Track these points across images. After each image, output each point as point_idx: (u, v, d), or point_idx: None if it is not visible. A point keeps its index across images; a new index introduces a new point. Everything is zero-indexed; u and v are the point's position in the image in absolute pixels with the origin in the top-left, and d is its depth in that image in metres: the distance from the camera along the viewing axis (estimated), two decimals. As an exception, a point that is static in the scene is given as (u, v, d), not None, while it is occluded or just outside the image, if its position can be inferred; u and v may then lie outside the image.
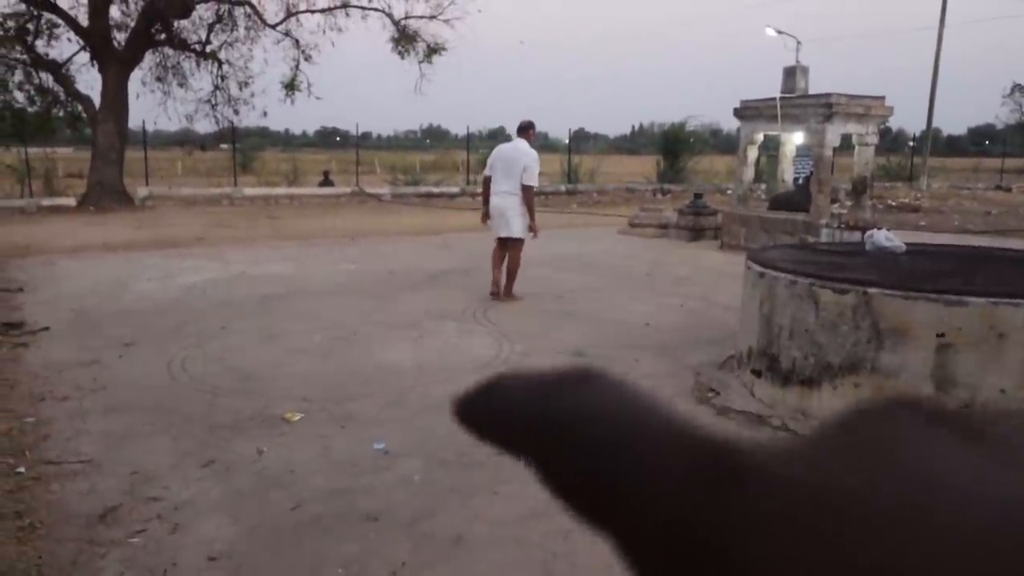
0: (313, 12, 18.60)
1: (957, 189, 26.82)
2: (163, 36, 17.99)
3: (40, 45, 17.33)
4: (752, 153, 11.93)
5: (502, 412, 0.24)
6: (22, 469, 3.56)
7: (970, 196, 23.76)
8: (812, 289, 4.09)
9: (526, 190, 7.33)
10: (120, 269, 8.93)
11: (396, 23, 18.74)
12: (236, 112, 19.59)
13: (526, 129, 7.48)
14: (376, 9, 18.54)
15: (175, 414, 4.31)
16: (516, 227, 7.40)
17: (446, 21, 18.53)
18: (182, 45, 18.49)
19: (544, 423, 0.23)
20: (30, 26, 17.07)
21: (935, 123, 28.70)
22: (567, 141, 27.69)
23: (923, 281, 3.99)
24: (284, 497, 3.32)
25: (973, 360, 3.62)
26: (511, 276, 7.57)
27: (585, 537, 2.85)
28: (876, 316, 3.82)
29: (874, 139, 10.84)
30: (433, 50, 18.98)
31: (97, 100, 16.99)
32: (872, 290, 3.87)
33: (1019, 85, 51.53)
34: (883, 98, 10.61)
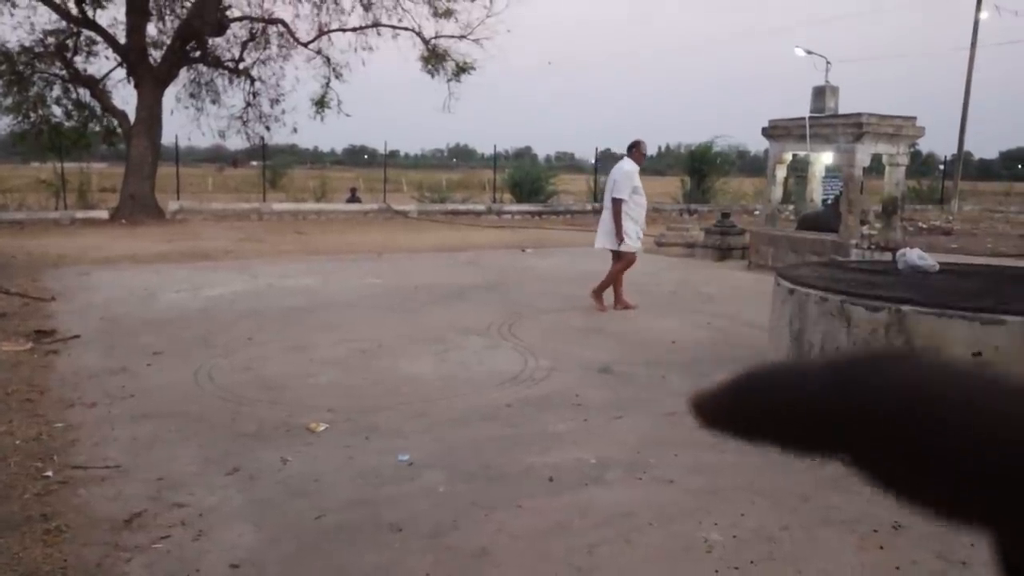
0: (345, 31, 18.90)
1: (989, 212, 26.42)
2: (198, 53, 18.34)
3: (79, 61, 17.79)
4: (780, 172, 11.85)
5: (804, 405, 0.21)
6: (50, 473, 3.59)
7: (1003, 219, 23.38)
8: (844, 306, 4.02)
9: (613, 203, 7.74)
10: (150, 280, 9.05)
11: (426, 42, 18.96)
12: (267, 128, 19.91)
13: (630, 148, 7.94)
14: (407, 28, 18.79)
15: (201, 422, 4.33)
16: (606, 240, 7.87)
17: (475, 40, 18.72)
18: (216, 62, 18.84)
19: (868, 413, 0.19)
20: (69, 42, 17.52)
21: (967, 147, 28.40)
22: (593, 161, 27.71)
23: (958, 300, 3.91)
24: (307, 506, 3.31)
25: (1011, 381, 3.52)
26: (603, 281, 7.92)
27: (611, 549, 2.80)
28: (910, 334, 3.75)
29: (905, 159, 10.71)
30: (462, 69, 19.16)
31: (132, 115, 17.34)
32: (906, 308, 3.79)
33: (1053, 109, 50.69)
34: (914, 118, 10.50)
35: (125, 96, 26.45)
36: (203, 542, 2.99)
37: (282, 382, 5.13)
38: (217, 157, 47.21)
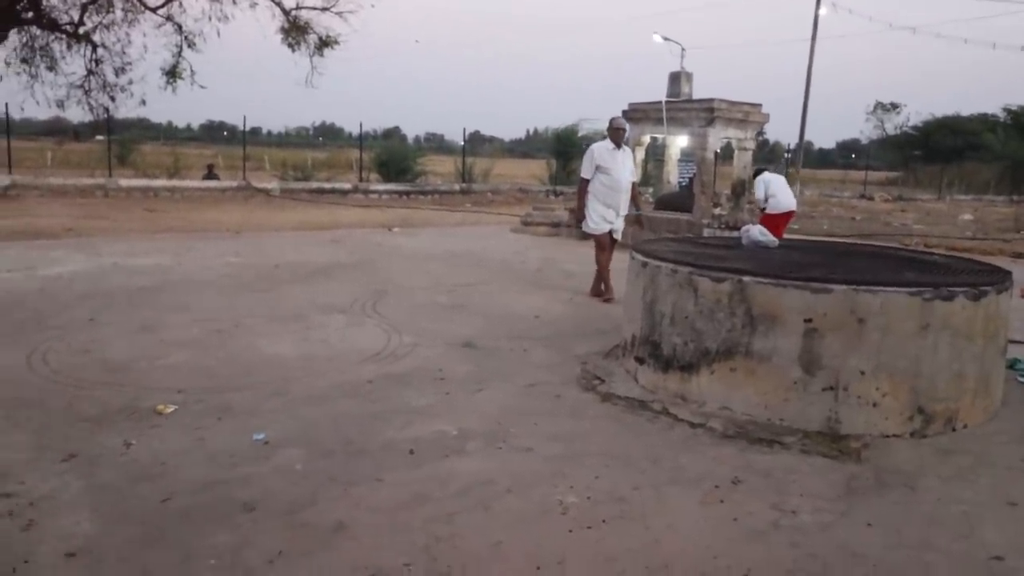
0: (197, -3, 17.83)
1: (827, 197, 28.72)
2: (30, 15, 16.76)
3: None
4: (639, 154, 12.28)
5: None
6: None
7: (838, 204, 25.45)
8: (691, 277, 4.24)
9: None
10: (-25, 260, 8.25)
11: (286, 13, 18.19)
12: (112, 99, 18.48)
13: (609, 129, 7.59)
14: (265, -3, 17.92)
15: (34, 408, 4.01)
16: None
17: (339, 14, 18.13)
18: (52, 25, 17.28)
19: None
20: None
21: (808, 137, 30.64)
22: (462, 142, 27.74)
23: (793, 270, 4.21)
24: (153, 490, 3.14)
25: (837, 344, 3.84)
26: (595, 275, 7.70)
27: (469, 516, 2.83)
28: (750, 303, 4.00)
29: (752, 144, 11.38)
30: (325, 43, 18.52)
31: (-48, 80, 15.66)
32: (747, 278, 4.04)
33: (880, 103, 55.73)
34: (760, 105, 11.17)
35: (-56, 59, 23.80)
36: (34, 532, 2.78)
37: (127, 364, 4.83)
38: (57, 130, 43.42)
